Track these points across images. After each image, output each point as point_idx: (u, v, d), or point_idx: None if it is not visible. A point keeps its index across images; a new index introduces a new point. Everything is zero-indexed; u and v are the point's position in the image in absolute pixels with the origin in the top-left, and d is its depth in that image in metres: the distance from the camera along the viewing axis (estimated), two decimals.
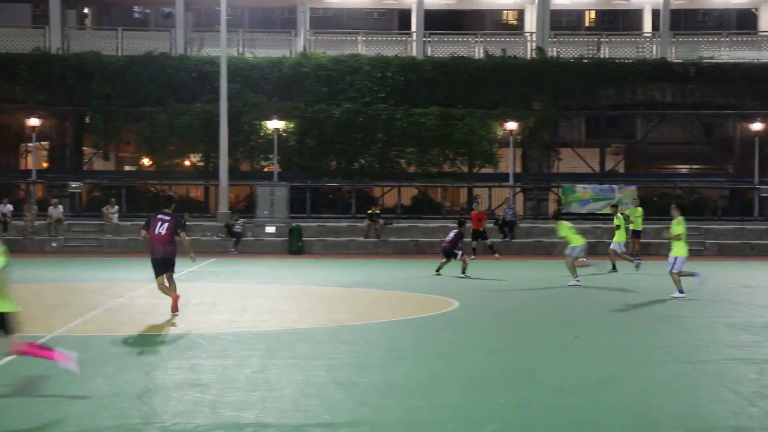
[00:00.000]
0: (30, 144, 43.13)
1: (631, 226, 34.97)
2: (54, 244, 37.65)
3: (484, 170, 44.75)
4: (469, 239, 32.74)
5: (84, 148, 46.98)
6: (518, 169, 44.69)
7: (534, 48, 45.73)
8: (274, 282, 23.97)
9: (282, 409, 9.17)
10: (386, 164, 43.88)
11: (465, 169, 44.45)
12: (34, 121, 41.37)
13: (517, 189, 43.84)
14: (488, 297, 20.43)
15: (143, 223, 17.03)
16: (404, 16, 54.68)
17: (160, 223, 16.34)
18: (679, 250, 20.10)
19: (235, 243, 37.39)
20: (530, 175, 44.98)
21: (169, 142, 43.60)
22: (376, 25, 60.45)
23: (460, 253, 25.78)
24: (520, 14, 54.27)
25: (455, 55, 45.15)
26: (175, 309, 16.33)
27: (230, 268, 28.92)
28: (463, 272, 25.21)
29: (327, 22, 57.74)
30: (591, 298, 20.02)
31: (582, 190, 41.72)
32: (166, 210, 16.66)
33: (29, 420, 8.67)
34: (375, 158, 43.71)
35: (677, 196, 42.73)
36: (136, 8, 63.39)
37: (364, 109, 43.44)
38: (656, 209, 40.67)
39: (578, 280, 23.09)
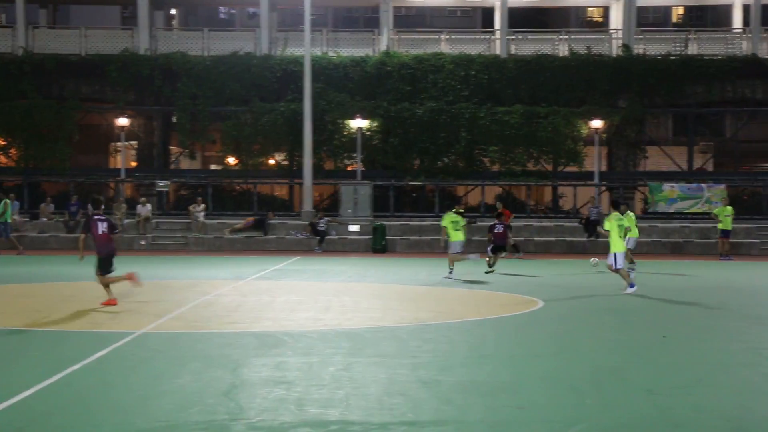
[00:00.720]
0: (119, 143, 43.95)
1: (720, 226, 34.43)
2: (142, 242, 38.31)
3: (568, 169, 44.29)
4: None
5: (171, 147, 47.72)
6: (604, 168, 44.15)
7: (620, 45, 45.15)
8: (358, 280, 24.06)
9: (366, 407, 9.17)
10: (470, 163, 43.71)
11: (549, 167, 44.07)
12: (122, 121, 42.09)
13: (603, 188, 43.29)
14: (573, 296, 20.20)
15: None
16: (487, 14, 54.44)
17: (100, 224, 17.14)
18: (615, 246, 20.69)
19: (320, 241, 37.63)
20: (616, 173, 44.40)
21: (253, 141, 44.00)
22: (459, 23, 60.26)
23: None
24: (606, 11, 53.62)
25: (539, 53, 44.75)
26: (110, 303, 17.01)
27: (314, 266, 29.12)
28: (491, 266, 26.44)
29: (410, 21, 57.78)
30: (675, 298, 19.66)
31: (669, 188, 41.07)
32: (98, 212, 17.56)
33: (119, 414, 8.81)
34: (458, 157, 43.57)
35: None
36: (221, 9, 64.17)
37: (447, 107, 43.34)
38: (746, 208, 39.80)
39: (451, 275, 24.23)
